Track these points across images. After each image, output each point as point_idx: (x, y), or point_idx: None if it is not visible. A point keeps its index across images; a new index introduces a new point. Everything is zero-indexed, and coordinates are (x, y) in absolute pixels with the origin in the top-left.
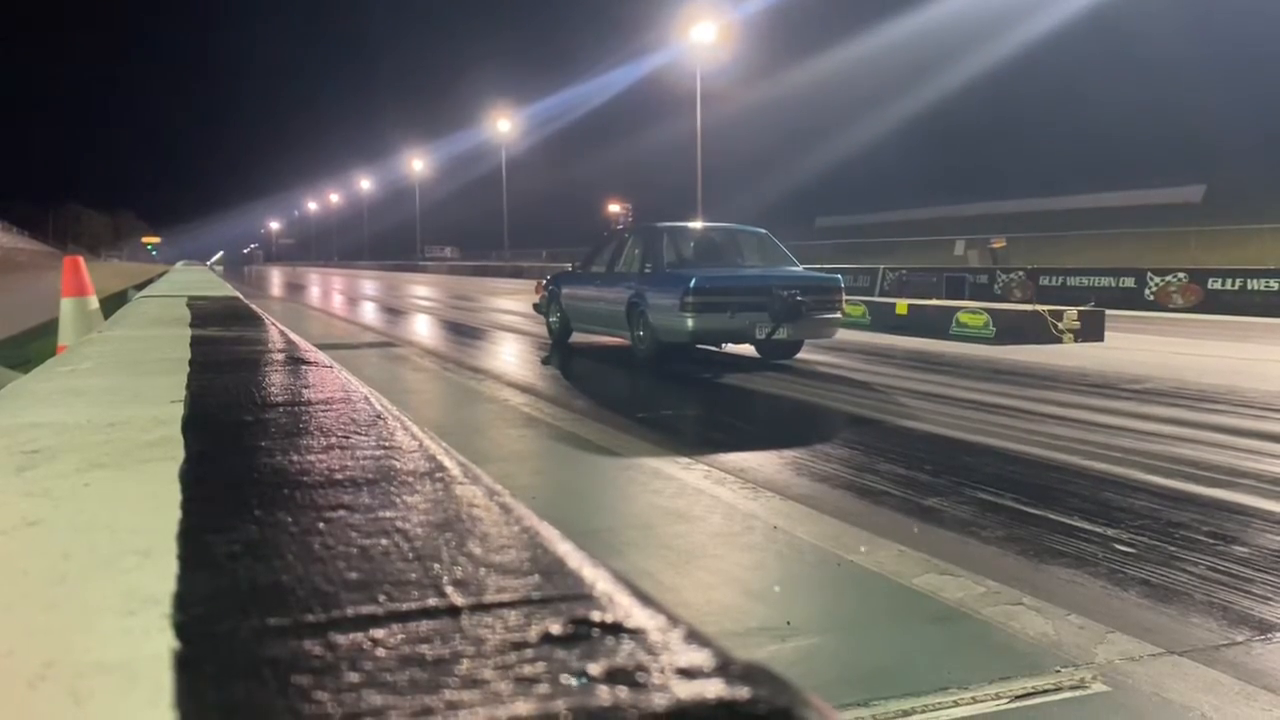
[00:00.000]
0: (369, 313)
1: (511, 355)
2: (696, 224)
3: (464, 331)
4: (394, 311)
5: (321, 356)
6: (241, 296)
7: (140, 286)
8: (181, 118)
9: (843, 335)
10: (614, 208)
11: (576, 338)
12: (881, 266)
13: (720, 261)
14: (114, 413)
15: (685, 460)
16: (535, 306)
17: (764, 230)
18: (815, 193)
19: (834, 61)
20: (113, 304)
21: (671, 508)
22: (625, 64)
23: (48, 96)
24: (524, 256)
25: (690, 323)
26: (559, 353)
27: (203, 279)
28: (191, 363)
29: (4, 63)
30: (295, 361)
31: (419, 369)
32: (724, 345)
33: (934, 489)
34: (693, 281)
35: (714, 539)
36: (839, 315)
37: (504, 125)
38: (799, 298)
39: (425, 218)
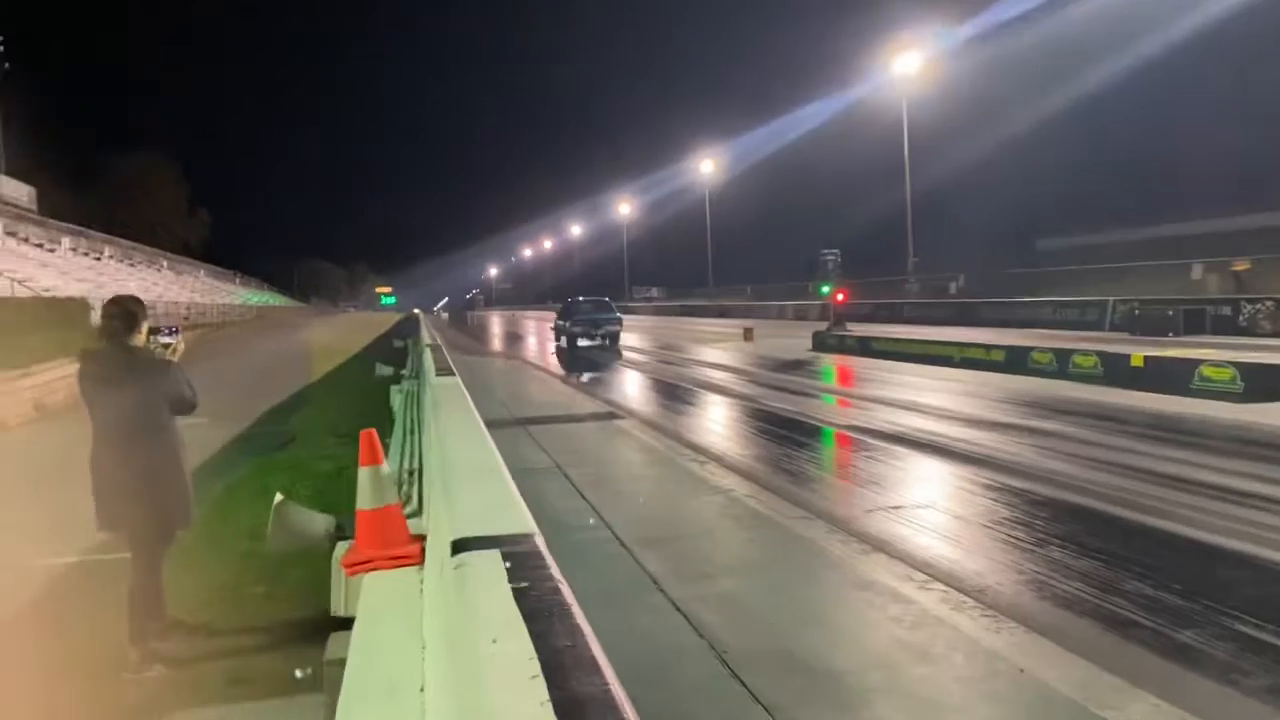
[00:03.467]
0: (585, 370)
1: (728, 429)
2: (582, 297)
3: (677, 395)
4: (607, 367)
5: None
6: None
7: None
8: (406, 175)
9: (1073, 392)
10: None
11: (776, 406)
12: (1111, 299)
13: (584, 311)
14: None
15: (922, 578)
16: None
17: (607, 298)
18: (1035, 212)
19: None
20: (358, 367)
21: (913, 642)
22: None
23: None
24: (728, 294)
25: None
26: (772, 428)
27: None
28: None
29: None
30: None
31: (640, 447)
32: (577, 341)
33: (1187, 617)
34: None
35: (958, 685)
36: (618, 328)
37: (708, 166)
38: (602, 326)
39: (632, 257)
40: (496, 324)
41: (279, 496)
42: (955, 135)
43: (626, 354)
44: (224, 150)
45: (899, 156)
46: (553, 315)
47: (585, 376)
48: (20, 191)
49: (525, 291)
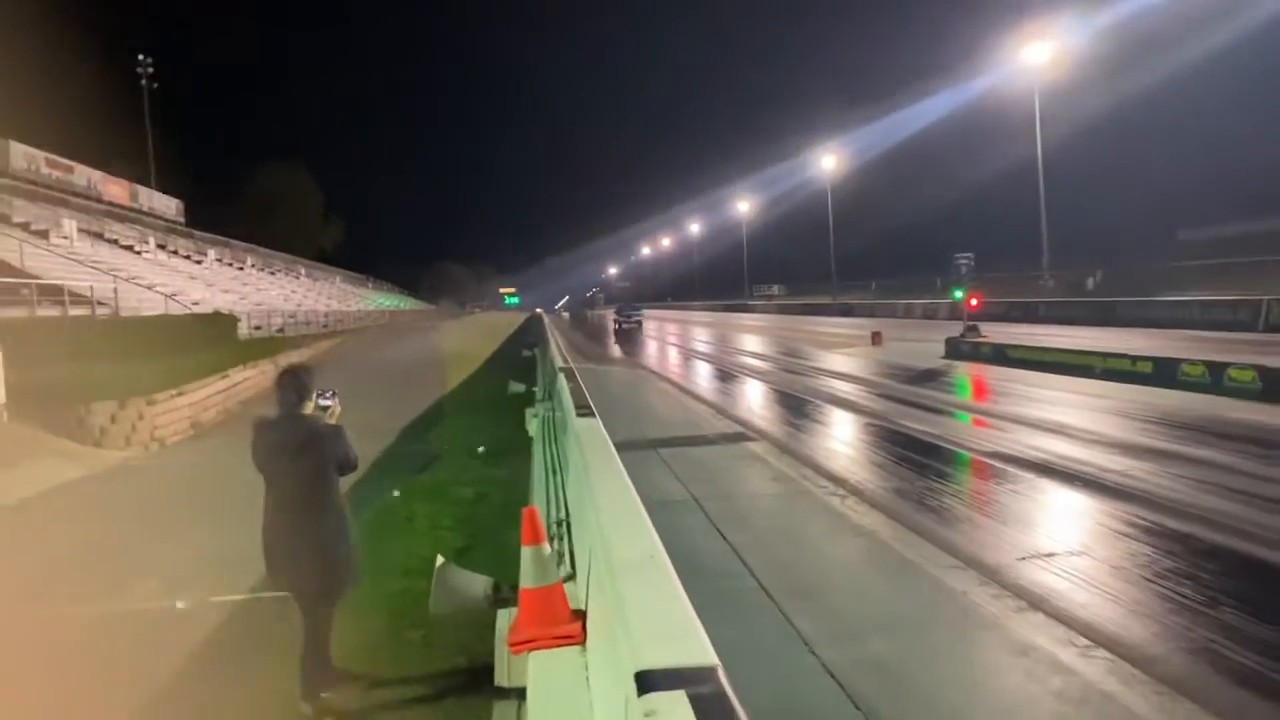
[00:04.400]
0: (707, 381)
1: (863, 454)
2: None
3: (806, 413)
4: (730, 377)
5: None
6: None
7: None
8: (528, 175)
9: (1231, 411)
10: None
11: (911, 427)
12: (1265, 299)
13: (625, 309)
14: None
15: (1084, 643)
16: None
17: (637, 303)
18: (1177, 199)
19: (1183, 54)
20: (489, 376)
21: None
22: (955, 86)
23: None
24: (852, 290)
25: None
26: (909, 454)
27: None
28: None
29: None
30: None
31: (774, 476)
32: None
33: None
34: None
35: None
36: (640, 319)
37: (829, 160)
38: (632, 318)
39: (752, 253)
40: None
41: (440, 559)
42: (1090, 122)
43: (748, 361)
44: (353, 158)
45: (1030, 145)
46: (673, 314)
47: (708, 387)
48: (169, 205)
49: (643, 289)
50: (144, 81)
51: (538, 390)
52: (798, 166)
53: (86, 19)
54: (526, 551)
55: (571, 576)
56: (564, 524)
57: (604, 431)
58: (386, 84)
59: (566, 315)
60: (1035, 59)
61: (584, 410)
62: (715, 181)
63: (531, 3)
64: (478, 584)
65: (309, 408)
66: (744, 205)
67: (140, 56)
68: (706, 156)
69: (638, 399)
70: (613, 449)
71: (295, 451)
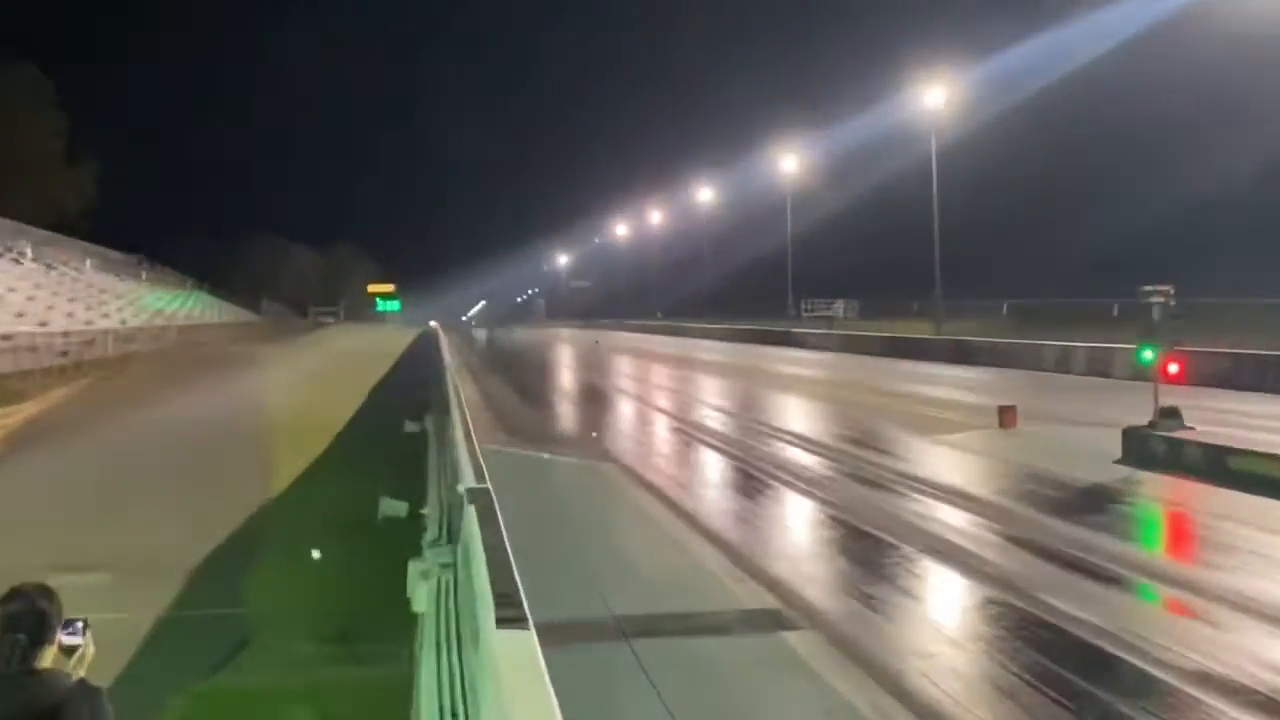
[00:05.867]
0: (719, 491)
1: (981, 666)
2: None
3: (886, 570)
4: (757, 485)
5: None
6: None
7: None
8: (436, 99)
9: None
10: None
11: (1064, 611)
12: None
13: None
14: None
15: None
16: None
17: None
18: None
19: None
20: (345, 466)
21: None
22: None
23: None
24: (965, 312)
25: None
26: (1064, 673)
27: None
28: None
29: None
30: None
31: (828, 709)
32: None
33: None
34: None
35: None
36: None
37: (935, 97)
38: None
39: (804, 251)
40: (565, 360)
41: None
42: None
43: (789, 454)
44: (125, 56)
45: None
46: (666, 344)
47: (721, 504)
48: None
49: (616, 294)
50: None
51: (428, 513)
52: (894, 116)
53: None
54: None
55: None
56: None
57: (541, 665)
58: None
59: (482, 334)
60: None
61: (508, 609)
62: (755, 136)
63: None
64: None
65: (47, 656)
66: (789, 163)
67: None
68: (748, 96)
69: (601, 526)
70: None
71: None
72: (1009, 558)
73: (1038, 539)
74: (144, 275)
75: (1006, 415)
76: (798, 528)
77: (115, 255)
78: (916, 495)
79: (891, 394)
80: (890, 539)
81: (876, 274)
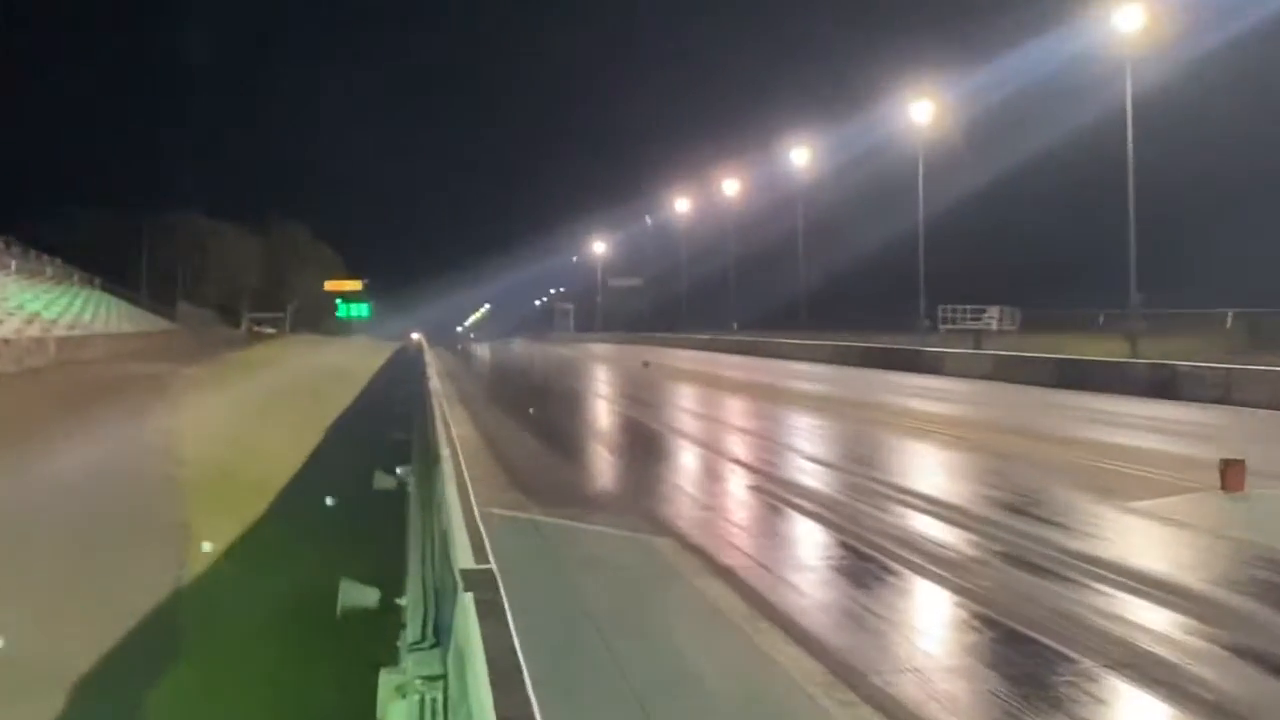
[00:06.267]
0: (821, 575)
1: None
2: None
3: None
4: (873, 567)
5: None
6: None
7: None
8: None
9: None
10: None
11: None
12: None
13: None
14: None
15: None
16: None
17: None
18: None
19: None
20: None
21: None
22: None
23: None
24: (1168, 324)
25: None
26: None
27: None
28: None
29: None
30: None
31: None
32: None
33: None
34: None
35: None
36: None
37: (1130, 18)
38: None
39: (936, 244)
40: (603, 381)
41: None
42: None
43: (919, 522)
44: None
45: None
46: (740, 366)
47: (825, 600)
48: None
49: (674, 298)
50: None
51: (407, 604)
52: (1058, 50)
53: None
54: None
55: None
56: None
57: None
58: None
59: (484, 350)
60: None
61: None
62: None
63: None
64: None
65: None
66: (922, 113)
67: None
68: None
69: (651, 625)
70: None
71: None
72: (1233, 678)
73: (1277, 652)
74: (12, 266)
75: (1231, 473)
76: (930, 629)
77: None
78: (1099, 585)
79: (1066, 440)
80: (1062, 648)
81: (1043, 273)
